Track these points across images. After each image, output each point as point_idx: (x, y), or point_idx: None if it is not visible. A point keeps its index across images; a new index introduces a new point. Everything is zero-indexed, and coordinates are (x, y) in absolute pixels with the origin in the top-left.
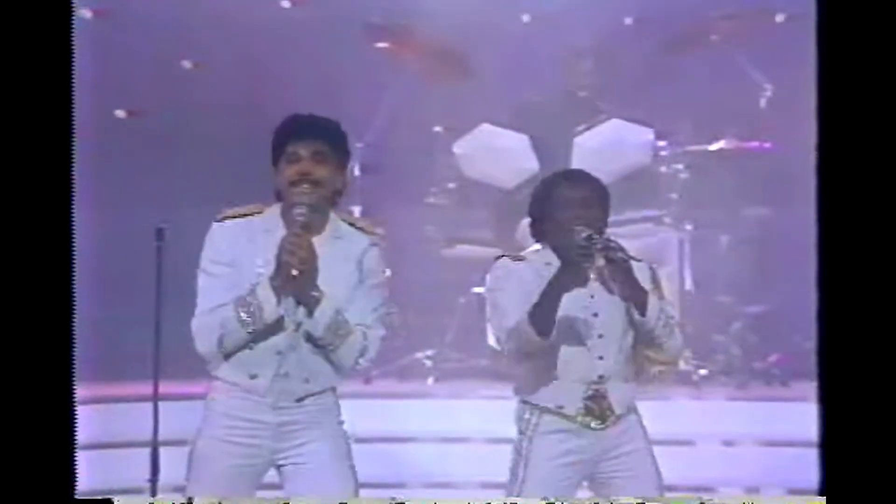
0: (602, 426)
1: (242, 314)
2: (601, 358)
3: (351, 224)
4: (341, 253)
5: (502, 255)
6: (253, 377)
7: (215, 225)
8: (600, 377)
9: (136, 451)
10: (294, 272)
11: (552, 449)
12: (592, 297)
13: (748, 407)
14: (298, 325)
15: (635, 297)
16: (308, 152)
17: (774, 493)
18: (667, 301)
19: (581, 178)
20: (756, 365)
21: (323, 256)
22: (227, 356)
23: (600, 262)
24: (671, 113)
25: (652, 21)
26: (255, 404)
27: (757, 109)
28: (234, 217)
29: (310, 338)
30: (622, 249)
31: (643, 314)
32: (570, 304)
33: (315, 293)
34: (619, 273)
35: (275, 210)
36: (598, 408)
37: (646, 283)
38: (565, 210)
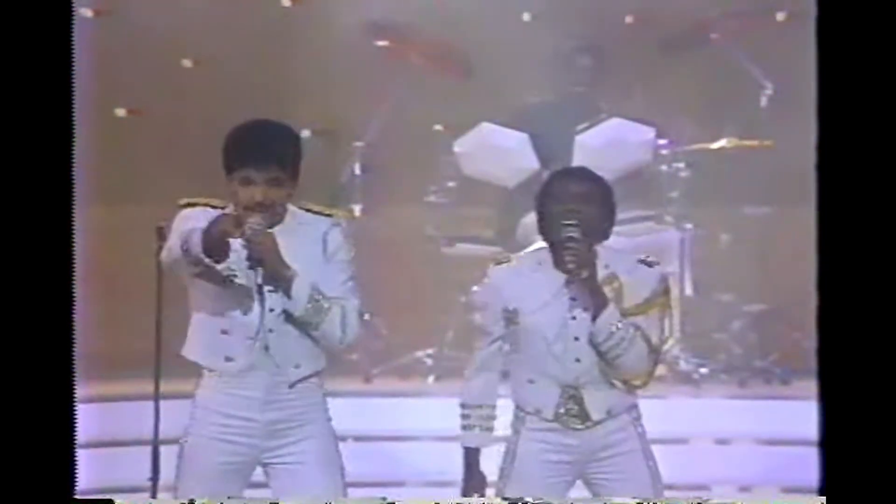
0: (582, 427)
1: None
2: (578, 360)
3: (309, 210)
4: (306, 238)
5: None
6: (228, 360)
7: (182, 212)
8: (576, 379)
9: (137, 450)
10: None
11: (536, 446)
12: (574, 299)
13: (749, 405)
14: (282, 311)
15: (593, 305)
16: (262, 178)
17: (773, 491)
18: (658, 316)
19: (581, 174)
20: (756, 363)
21: (289, 244)
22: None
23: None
24: (672, 112)
25: (652, 20)
26: (245, 401)
27: (757, 108)
28: (197, 206)
29: (290, 318)
30: (590, 264)
31: (593, 321)
32: (551, 305)
33: (288, 272)
34: (580, 280)
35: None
36: (577, 408)
37: (644, 292)
38: (559, 204)
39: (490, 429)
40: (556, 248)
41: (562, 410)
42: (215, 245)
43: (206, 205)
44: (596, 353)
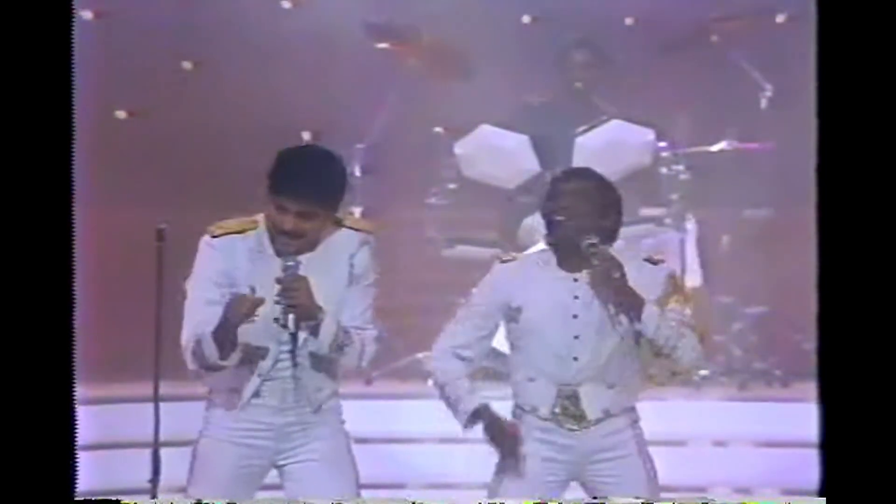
0: (577, 428)
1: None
2: (576, 359)
3: (340, 224)
4: (333, 253)
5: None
6: (232, 391)
7: (210, 241)
8: (574, 378)
9: (137, 452)
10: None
11: (534, 445)
12: (576, 298)
13: (748, 407)
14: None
15: (629, 305)
16: (295, 208)
17: (773, 493)
18: (682, 307)
19: (578, 172)
20: (756, 365)
21: (314, 258)
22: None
23: (594, 264)
24: (672, 113)
25: (652, 21)
26: (259, 408)
27: (757, 110)
28: (228, 233)
29: (314, 356)
30: (618, 266)
31: (638, 319)
32: (553, 303)
33: (319, 314)
34: (612, 284)
35: (262, 225)
36: (573, 408)
37: (654, 291)
38: (554, 200)
39: (472, 390)
40: (560, 248)
41: (557, 410)
42: (229, 343)
43: (237, 231)
44: (653, 352)
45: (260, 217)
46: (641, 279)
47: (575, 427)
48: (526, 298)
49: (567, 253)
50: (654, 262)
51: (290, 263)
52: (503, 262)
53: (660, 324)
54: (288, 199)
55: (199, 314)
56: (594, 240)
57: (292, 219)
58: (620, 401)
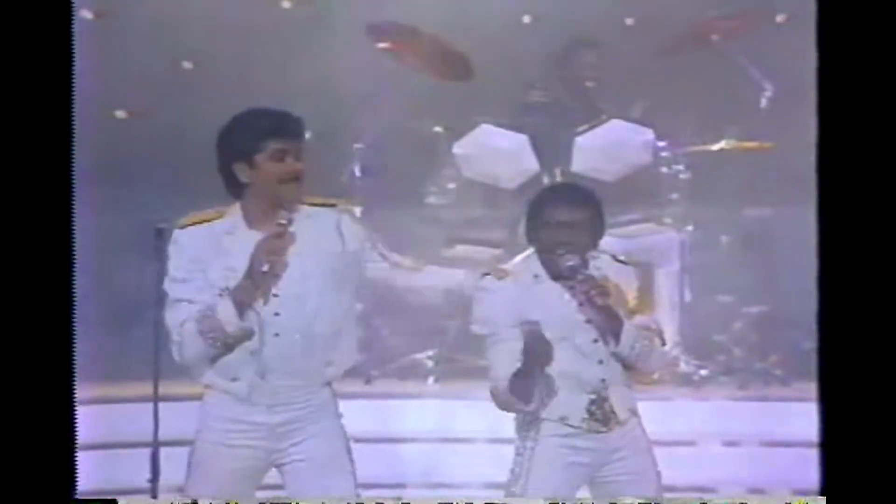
0: (606, 430)
1: (205, 330)
2: (601, 362)
3: (312, 203)
4: (317, 228)
5: (486, 274)
6: (233, 380)
7: (177, 232)
8: (602, 381)
9: (137, 452)
10: (265, 268)
11: (556, 452)
12: (582, 304)
13: (749, 407)
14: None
15: (610, 327)
16: (294, 149)
17: (775, 492)
18: (648, 312)
19: (572, 200)
20: (757, 365)
21: (300, 236)
22: (193, 365)
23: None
24: (672, 113)
25: (652, 21)
26: (251, 407)
27: (757, 109)
28: (196, 223)
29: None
30: (597, 285)
31: (616, 344)
32: (563, 313)
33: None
34: (594, 306)
35: (235, 211)
36: (601, 412)
37: (632, 288)
38: (552, 233)
39: None
40: (553, 271)
41: (585, 416)
42: (248, 298)
43: (204, 220)
44: (623, 364)
45: (226, 209)
46: (619, 279)
47: (604, 430)
48: (537, 312)
49: (556, 270)
50: (623, 262)
51: (283, 222)
52: (499, 279)
53: (633, 345)
54: (284, 141)
55: (182, 300)
56: (575, 262)
57: (292, 159)
58: (633, 399)
